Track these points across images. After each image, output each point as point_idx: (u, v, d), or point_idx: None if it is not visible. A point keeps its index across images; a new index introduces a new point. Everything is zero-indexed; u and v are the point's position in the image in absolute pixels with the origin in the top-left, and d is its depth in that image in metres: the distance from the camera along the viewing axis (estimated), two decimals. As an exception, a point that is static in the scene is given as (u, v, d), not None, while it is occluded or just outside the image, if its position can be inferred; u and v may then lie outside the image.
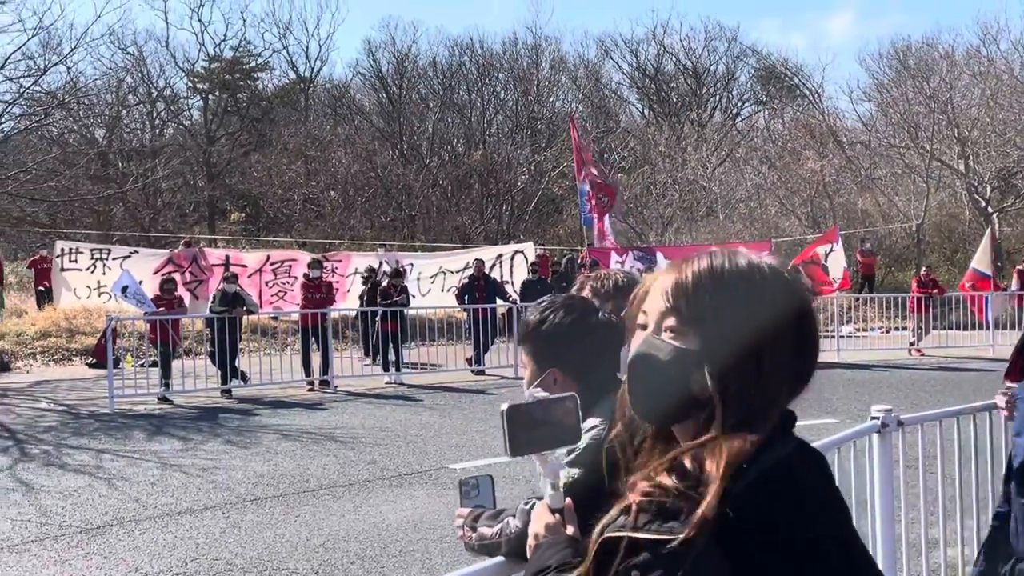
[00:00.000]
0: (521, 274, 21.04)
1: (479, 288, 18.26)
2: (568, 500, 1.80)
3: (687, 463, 1.39)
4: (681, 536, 1.29)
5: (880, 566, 4.14)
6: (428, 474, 9.26)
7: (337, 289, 19.66)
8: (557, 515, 1.77)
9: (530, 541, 1.79)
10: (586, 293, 3.00)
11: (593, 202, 21.64)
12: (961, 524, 4.94)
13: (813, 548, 1.34)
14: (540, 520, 1.78)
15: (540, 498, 1.95)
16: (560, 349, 2.39)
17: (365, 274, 20.15)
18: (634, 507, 1.37)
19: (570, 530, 1.74)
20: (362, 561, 6.70)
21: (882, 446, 4.24)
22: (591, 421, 2.24)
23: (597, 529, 1.43)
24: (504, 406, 1.79)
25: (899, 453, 4.41)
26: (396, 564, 6.63)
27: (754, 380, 1.39)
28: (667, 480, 1.37)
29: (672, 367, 1.41)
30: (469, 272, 20.16)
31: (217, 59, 45.15)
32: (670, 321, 1.43)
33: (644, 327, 1.48)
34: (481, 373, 16.97)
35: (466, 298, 18.18)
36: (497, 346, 18.04)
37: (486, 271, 19.96)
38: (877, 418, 4.26)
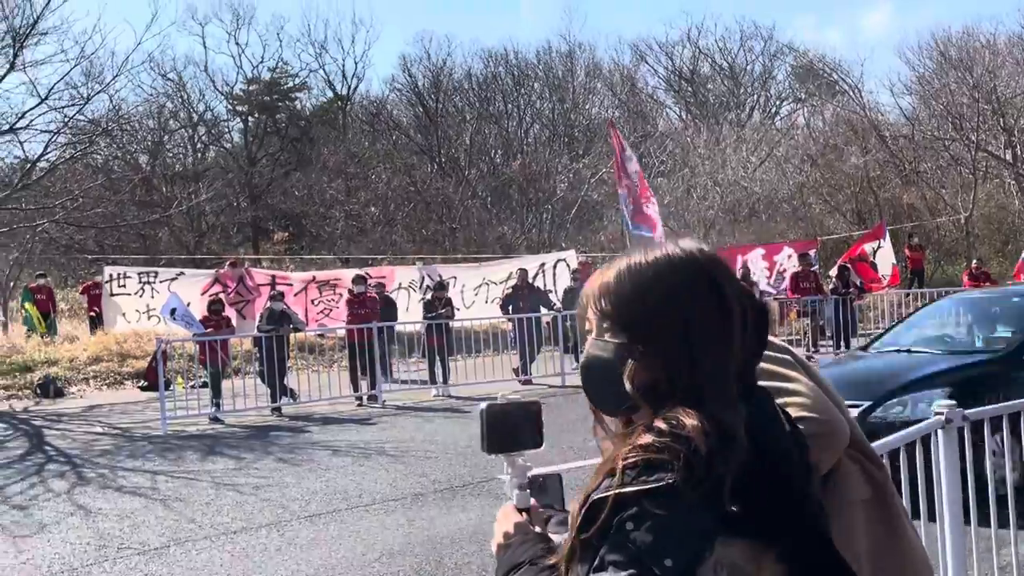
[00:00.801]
0: (564, 282, 20.97)
1: (523, 298, 18.22)
2: (534, 500, 1.84)
3: (662, 424, 1.44)
4: (670, 479, 1.35)
5: (950, 565, 4.05)
6: (480, 485, 9.22)
7: (381, 304, 19.72)
8: (524, 514, 1.80)
9: (498, 539, 1.78)
10: None
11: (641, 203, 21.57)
12: (1014, 521, 4.82)
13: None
14: (508, 519, 1.79)
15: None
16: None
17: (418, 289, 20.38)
18: (620, 467, 1.41)
19: (538, 529, 1.78)
20: (418, 575, 6.67)
21: (947, 442, 4.13)
22: None
23: (580, 497, 1.45)
24: (483, 405, 1.84)
25: (966, 449, 4.29)
26: (452, 577, 6.59)
27: (687, 361, 1.49)
28: (648, 438, 1.42)
29: (615, 364, 1.53)
30: (512, 282, 20.14)
31: (255, 81, 45.66)
32: (605, 323, 1.57)
33: (590, 332, 1.61)
34: (528, 383, 16.91)
35: (511, 308, 18.15)
36: (543, 355, 17.97)
37: (530, 280, 19.92)
38: (941, 414, 4.14)
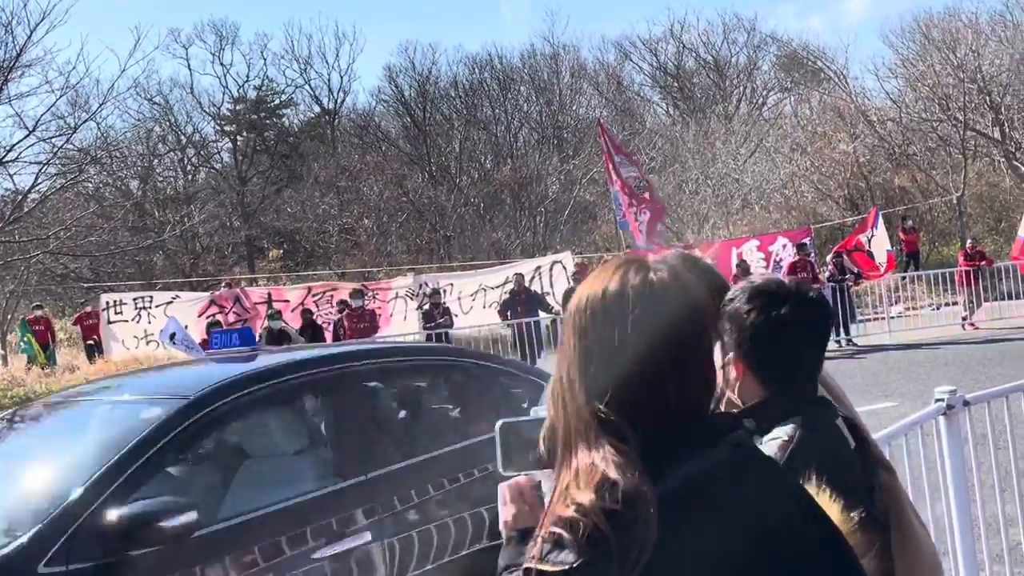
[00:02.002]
0: (562, 285, 20.97)
1: (521, 302, 18.24)
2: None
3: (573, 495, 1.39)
4: (572, 563, 1.31)
5: (958, 546, 4.07)
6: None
7: (380, 315, 19.75)
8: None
9: (506, 519, 1.73)
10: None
11: (627, 208, 21.76)
12: (1017, 500, 4.83)
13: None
14: (517, 505, 1.73)
15: None
16: (750, 346, 2.20)
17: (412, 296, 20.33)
18: (539, 535, 1.38)
19: None
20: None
21: (949, 428, 4.15)
22: (780, 430, 2.07)
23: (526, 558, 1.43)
24: (499, 423, 1.77)
25: (967, 433, 4.31)
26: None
27: (628, 394, 1.42)
28: (564, 510, 1.37)
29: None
30: (509, 287, 20.16)
31: (242, 100, 45.76)
32: (569, 339, 1.50)
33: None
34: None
35: (509, 313, 18.17)
36: (544, 359, 17.99)
37: (526, 284, 19.94)
38: (942, 400, 4.16)
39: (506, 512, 1.73)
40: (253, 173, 44.13)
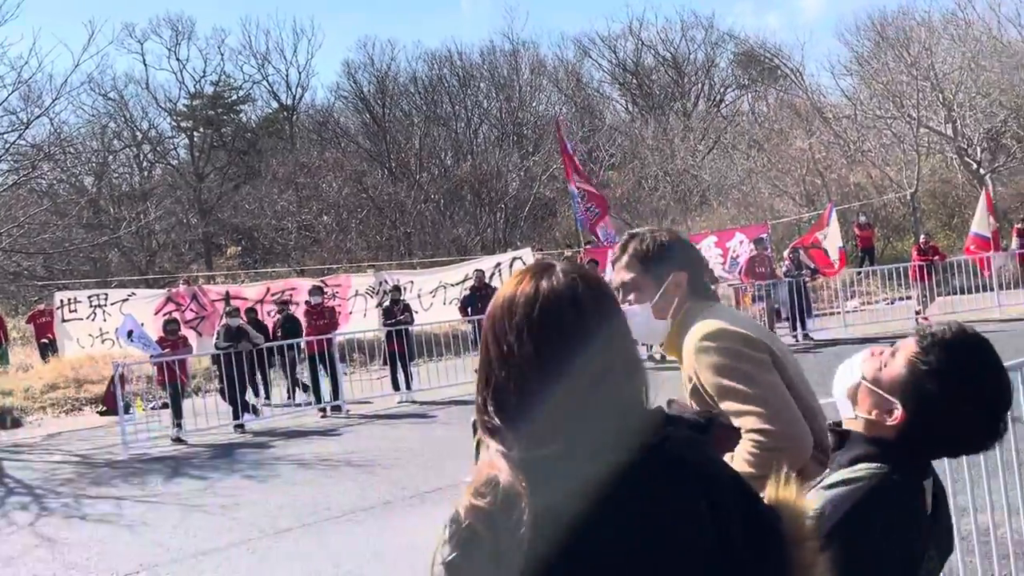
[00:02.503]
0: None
1: (481, 298, 18.23)
2: None
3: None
4: (446, 560, 1.43)
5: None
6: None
7: (339, 312, 19.65)
8: None
9: None
10: (628, 255, 2.96)
11: (582, 208, 21.87)
12: (989, 488, 4.91)
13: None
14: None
15: None
16: (686, 259, 2.27)
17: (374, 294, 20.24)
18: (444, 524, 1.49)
19: None
20: (392, 584, 6.67)
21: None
22: (866, 467, 1.99)
23: None
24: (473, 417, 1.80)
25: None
26: (426, 583, 6.58)
27: (506, 394, 1.50)
28: (455, 506, 1.48)
29: None
30: (470, 283, 20.16)
31: (198, 96, 45.27)
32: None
33: None
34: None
35: (469, 309, 18.15)
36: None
37: (486, 281, 19.95)
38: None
39: None
40: (210, 169, 43.67)
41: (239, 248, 41.39)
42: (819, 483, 1.99)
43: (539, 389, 1.47)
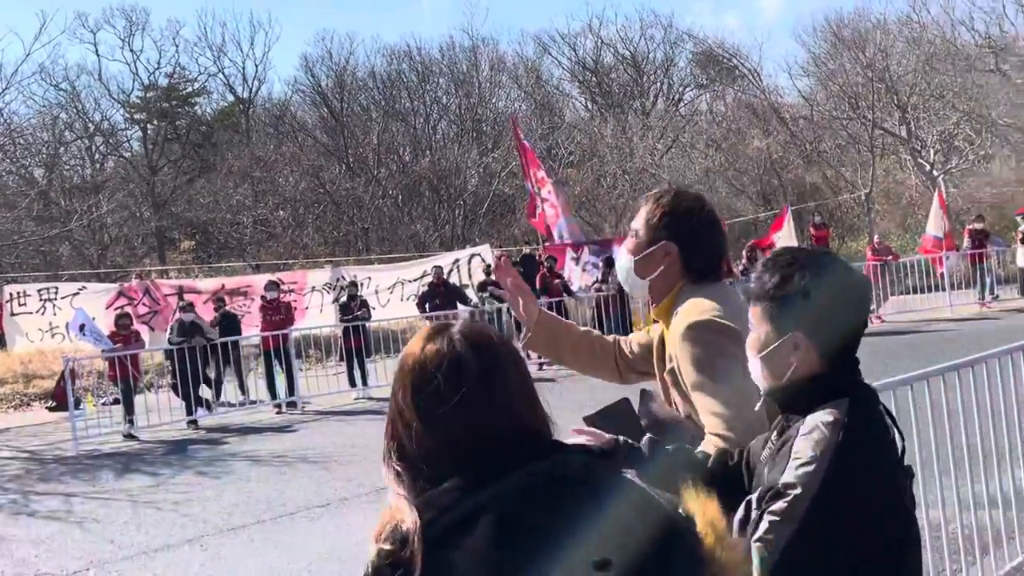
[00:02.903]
0: (479, 277, 20.99)
1: (440, 295, 18.17)
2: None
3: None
4: None
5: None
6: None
7: (296, 308, 19.48)
8: None
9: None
10: (644, 207, 2.94)
11: (539, 205, 21.96)
12: (941, 484, 4.96)
13: None
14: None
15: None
16: (686, 233, 2.22)
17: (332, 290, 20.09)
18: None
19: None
20: (347, 581, 6.61)
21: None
22: (827, 411, 2.06)
23: None
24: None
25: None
26: (382, 580, 6.53)
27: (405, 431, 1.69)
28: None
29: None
30: (428, 280, 20.09)
31: (152, 87, 44.68)
32: None
33: None
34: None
35: (427, 305, 18.08)
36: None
37: (445, 277, 19.89)
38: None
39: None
40: (164, 162, 43.09)
41: (193, 242, 40.94)
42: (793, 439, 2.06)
43: (425, 440, 1.65)
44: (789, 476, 1.99)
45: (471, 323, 1.74)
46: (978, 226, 21.22)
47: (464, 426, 1.62)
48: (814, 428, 2.02)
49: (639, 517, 1.55)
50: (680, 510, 1.65)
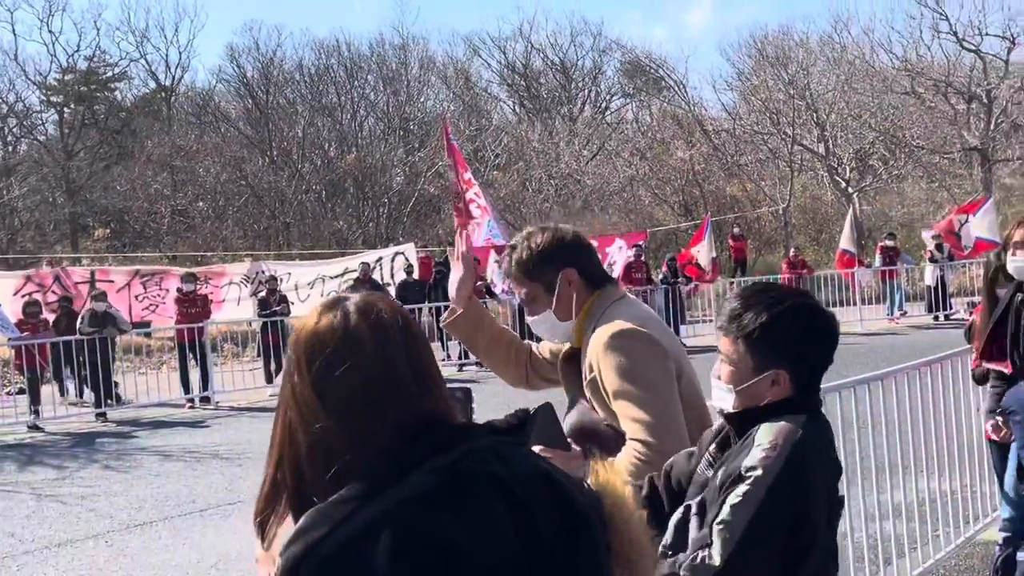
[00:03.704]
0: (401, 276, 20.88)
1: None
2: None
3: None
4: None
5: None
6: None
7: (212, 300, 19.13)
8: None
9: None
10: (512, 267, 2.96)
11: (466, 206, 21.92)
12: (848, 495, 5.09)
13: None
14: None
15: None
16: (795, 352, 2.29)
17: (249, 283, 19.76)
18: None
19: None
20: (257, 579, 6.50)
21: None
22: (789, 418, 2.23)
23: None
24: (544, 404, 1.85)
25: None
26: (293, 579, 6.45)
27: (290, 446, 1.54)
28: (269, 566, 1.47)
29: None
30: (353, 275, 19.97)
31: (71, 70, 43.43)
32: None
33: None
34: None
35: None
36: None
37: (371, 274, 19.74)
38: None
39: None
40: (80, 147, 41.93)
41: (108, 231, 39.89)
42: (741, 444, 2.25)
43: (320, 426, 1.49)
44: (752, 461, 2.15)
45: (368, 295, 1.62)
46: (889, 243, 21.84)
47: (363, 406, 1.48)
48: (776, 427, 2.20)
49: (550, 511, 1.46)
50: (585, 486, 1.59)
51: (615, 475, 1.67)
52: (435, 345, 17.47)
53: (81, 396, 15.51)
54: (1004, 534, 5.36)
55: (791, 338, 2.25)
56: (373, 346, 1.52)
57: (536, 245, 2.91)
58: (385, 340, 1.53)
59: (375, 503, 1.38)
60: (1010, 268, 4.59)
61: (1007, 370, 4.69)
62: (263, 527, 1.55)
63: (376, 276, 21.07)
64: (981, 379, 5.47)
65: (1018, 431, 4.60)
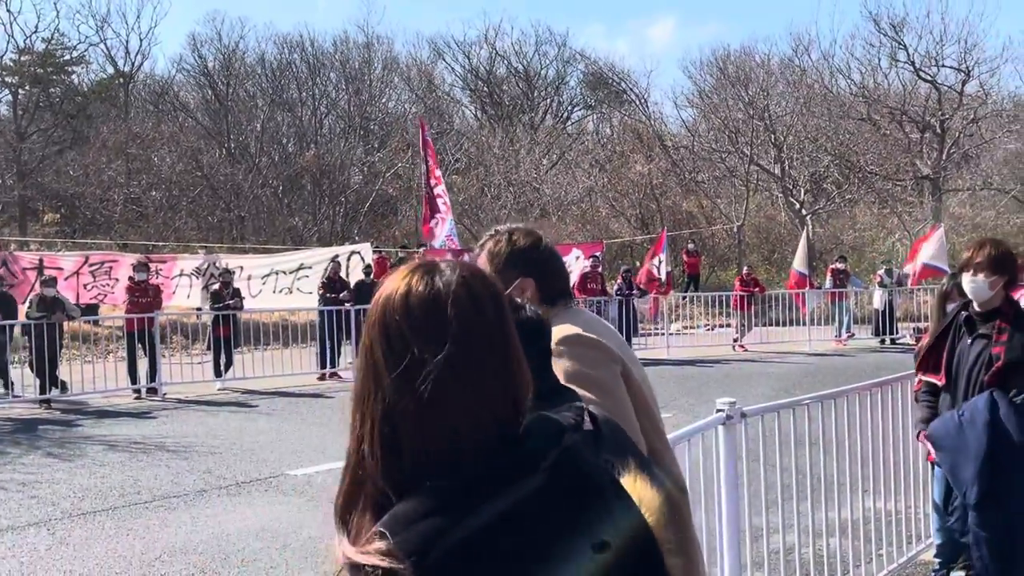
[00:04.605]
0: (357, 276, 20.77)
1: (336, 290, 17.92)
2: None
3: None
4: None
5: (725, 550, 4.31)
6: (267, 481, 9.01)
7: (163, 291, 18.90)
8: None
9: None
10: (483, 252, 2.93)
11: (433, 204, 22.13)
12: (797, 512, 5.18)
13: None
14: None
15: None
16: (537, 265, 2.25)
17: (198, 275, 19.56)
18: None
19: None
20: (203, 573, 6.45)
21: (727, 437, 4.39)
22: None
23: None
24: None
25: (743, 444, 4.58)
26: (239, 574, 6.41)
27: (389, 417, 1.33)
28: (366, 557, 1.28)
29: None
30: (304, 271, 19.88)
31: (27, 51, 42.65)
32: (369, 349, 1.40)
33: None
34: (335, 376, 16.75)
35: (329, 296, 17.75)
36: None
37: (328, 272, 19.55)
38: (722, 411, 4.40)
39: None
40: (34, 130, 41.17)
41: (58, 216, 39.21)
42: None
43: (408, 419, 1.33)
44: None
45: (464, 262, 1.47)
46: (840, 266, 22.20)
47: (459, 396, 1.32)
48: None
49: (621, 528, 1.39)
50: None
51: (645, 487, 1.58)
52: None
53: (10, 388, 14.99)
54: (938, 559, 5.51)
55: None
56: (491, 315, 1.39)
57: (513, 242, 2.91)
58: (499, 308, 1.41)
59: (499, 499, 1.29)
60: (966, 287, 4.71)
61: (940, 382, 4.83)
62: (345, 523, 1.37)
63: (328, 272, 20.95)
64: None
65: (942, 461, 4.73)
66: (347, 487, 1.39)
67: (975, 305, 4.72)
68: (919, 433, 5.02)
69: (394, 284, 1.40)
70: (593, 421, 1.61)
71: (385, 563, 1.24)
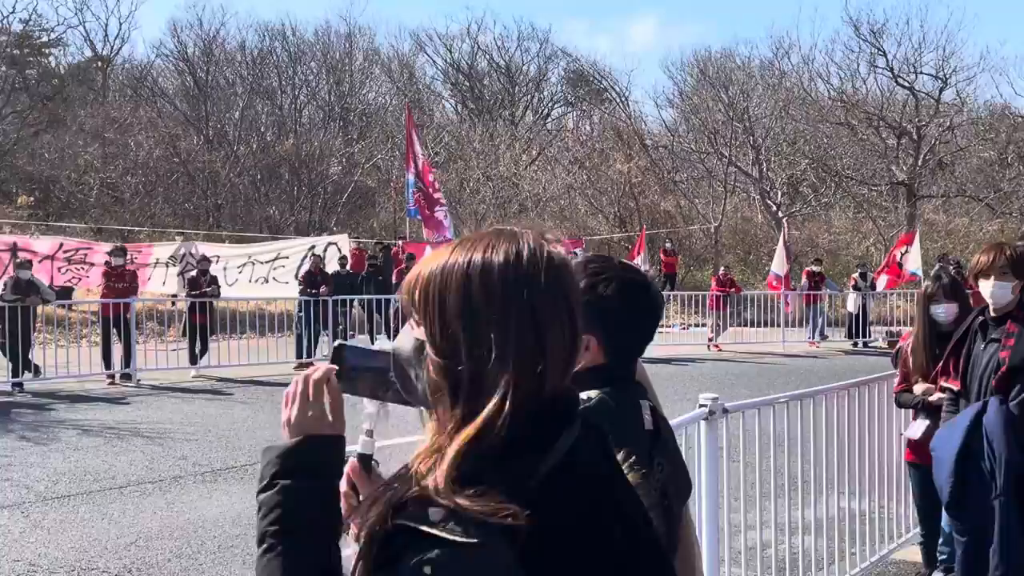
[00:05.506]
0: (333, 267, 20.73)
1: (316, 284, 17.84)
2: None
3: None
4: (475, 540, 1.22)
5: (704, 547, 4.35)
6: (243, 469, 8.98)
7: (139, 276, 18.79)
8: (361, 467, 1.65)
9: (345, 488, 1.61)
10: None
11: (419, 195, 22.14)
12: (775, 508, 5.25)
13: (602, 540, 1.36)
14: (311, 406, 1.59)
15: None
16: (607, 321, 2.26)
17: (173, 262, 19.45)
18: (423, 503, 1.28)
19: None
20: (179, 559, 6.44)
21: (709, 433, 4.43)
22: (585, 394, 2.17)
23: (380, 510, 1.31)
24: (336, 343, 1.69)
25: (723, 440, 4.62)
26: (215, 560, 6.41)
27: (474, 363, 1.34)
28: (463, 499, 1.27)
29: (415, 356, 1.43)
30: (281, 260, 19.80)
31: (4, 32, 42.21)
32: (414, 314, 1.43)
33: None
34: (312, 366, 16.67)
35: (310, 289, 17.66)
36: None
37: (322, 266, 19.43)
38: (705, 406, 4.44)
39: (293, 412, 1.56)
40: (9, 112, 40.75)
41: (32, 199, 38.82)
42: None
43: (557, 361, 1.38)
44: None
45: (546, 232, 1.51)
46: (815, 269, 22.37)
47: (532, 349, 1.35)
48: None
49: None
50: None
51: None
52: (381, 337, 17.40)
53: None
54: (942, 556, 5.55)
55: (603, 306, 2.22)
56: (568, 286, 1.45)
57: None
58: (565, 282, 1.45)
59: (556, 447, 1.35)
60: (985, 292, 4.74)
61: (956, 387, 4.89)
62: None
63: (307, 266, 20.89)
64: (903, 403, 5.69)
65: (936, 471, 4.79)
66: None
67: (990, 310, 4.76)
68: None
69: (468, 242, 1.46)
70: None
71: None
